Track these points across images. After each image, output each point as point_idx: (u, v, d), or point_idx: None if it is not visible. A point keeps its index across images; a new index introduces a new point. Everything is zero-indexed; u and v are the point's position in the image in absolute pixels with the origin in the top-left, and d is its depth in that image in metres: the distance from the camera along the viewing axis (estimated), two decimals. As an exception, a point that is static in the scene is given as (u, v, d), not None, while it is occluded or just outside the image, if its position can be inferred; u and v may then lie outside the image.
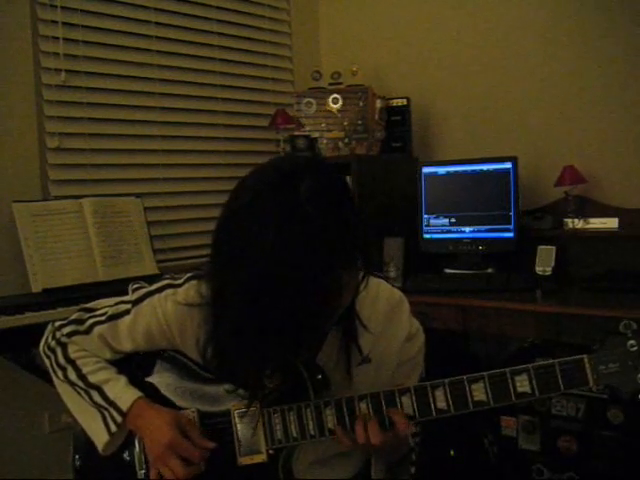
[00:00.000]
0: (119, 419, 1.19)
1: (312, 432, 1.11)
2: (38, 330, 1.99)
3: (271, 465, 1.14)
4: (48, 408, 2.47)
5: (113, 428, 1.19)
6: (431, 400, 1.08)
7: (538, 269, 2.44)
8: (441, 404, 1.08)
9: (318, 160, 1.04)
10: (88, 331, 1.24)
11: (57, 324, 1.29)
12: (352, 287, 1.03)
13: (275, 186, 0.95)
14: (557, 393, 1.07)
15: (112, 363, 1.27)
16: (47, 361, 1.28)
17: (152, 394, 1.22)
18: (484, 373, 1.07)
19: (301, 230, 0.92)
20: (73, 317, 1.28)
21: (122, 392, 1.20)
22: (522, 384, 1.06)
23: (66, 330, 1.26)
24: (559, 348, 2.40)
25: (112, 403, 1.20)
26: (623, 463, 2.29)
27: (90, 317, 1.26)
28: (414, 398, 1.09)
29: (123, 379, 1.23)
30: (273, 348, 0.98)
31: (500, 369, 1.07)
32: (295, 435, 1.12)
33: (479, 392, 1.07)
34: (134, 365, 1.26)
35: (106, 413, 1.20)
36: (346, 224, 0.97)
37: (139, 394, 1.20)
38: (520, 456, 2.55)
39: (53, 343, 1.27)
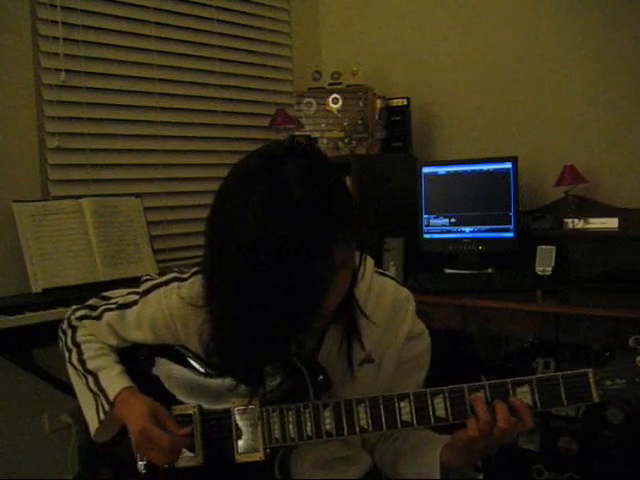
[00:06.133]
0: (107, 407, 1.21)
1: (309, 433, 1.11)
2: (38, 330, 2.03)
3: (268, 464, 1.14)
4: (48, 408, 2.48)
5: (102, 416, 1.22)
6: (430, 408, 1.06)
7: (538, 269, 2.44)
8: (440, 412, 1.06)
9: (302, 143, 1.05)
10: (99, 317, 1.28)
11: (74, 307, 1.33)
12: (349, 268, 1.02)
13: (260, 168, 0.96)
14: (560, 407, 1.04)
15: (119, 352, 1.29)
16: (60, 343, 1.32)
17: (154, 388, 1.23)
18: (485, 382, 1.06)
19: (287, 209, 0.91)
20: (89, 302, 1.32)
21: (112, 381, 1.22)
22: (524, 396, 1.03)
23: (79, 313, 1.31)
24: (559, 348, 2.40)
25: (103, 391, 1.22)
26: (623, 463, 2.29)
27: (104, 304, 1.29)
28: (412, 404, 1.07)
29: (117, 368, 1.24)
30: (271, 332, 0.97)
31: (502, 379, 1.05)
32: (292, 435, 1.12)
33: None
34: (139, 357, 1.27)
35: (98, 400, 1.23)
36: (335, 201, 0.96)
37: (127, 384, 1.21)
38: (520, 456, 2.55)
39: (65, 326, 1.32)
